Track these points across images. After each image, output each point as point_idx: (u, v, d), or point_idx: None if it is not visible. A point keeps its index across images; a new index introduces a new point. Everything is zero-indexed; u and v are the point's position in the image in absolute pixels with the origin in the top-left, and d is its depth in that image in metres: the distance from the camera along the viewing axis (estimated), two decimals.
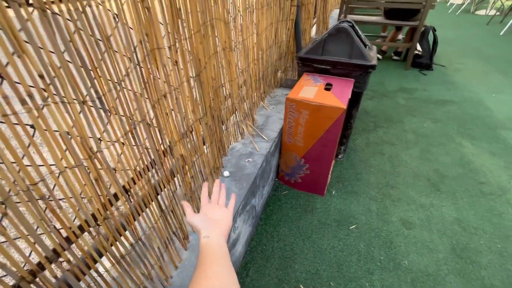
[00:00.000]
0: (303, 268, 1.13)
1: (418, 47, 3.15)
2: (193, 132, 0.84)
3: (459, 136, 1.96)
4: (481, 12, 6.70)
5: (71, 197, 0.44)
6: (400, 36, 4.01)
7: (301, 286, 1.06)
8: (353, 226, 1.30)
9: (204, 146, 0.95)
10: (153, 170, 0.66)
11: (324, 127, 1.24)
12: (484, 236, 1.25)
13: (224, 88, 1.10)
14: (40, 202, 0.40)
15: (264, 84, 1.64)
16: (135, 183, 0.60)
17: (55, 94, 0.39)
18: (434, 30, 3.06)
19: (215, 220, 0.52)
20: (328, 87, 1.36)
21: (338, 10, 4.85)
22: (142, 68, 0.57)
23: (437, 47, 3.18)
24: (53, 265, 0.46)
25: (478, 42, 4.22)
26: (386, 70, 3.22)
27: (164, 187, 0.71)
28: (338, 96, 1.24)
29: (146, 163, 0.63)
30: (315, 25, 2.85)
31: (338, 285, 1.07)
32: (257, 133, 1.39)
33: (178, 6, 0.66)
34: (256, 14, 1.27)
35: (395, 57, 3.57)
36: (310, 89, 1.32)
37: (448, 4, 7.66)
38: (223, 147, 1.18)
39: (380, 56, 3.57)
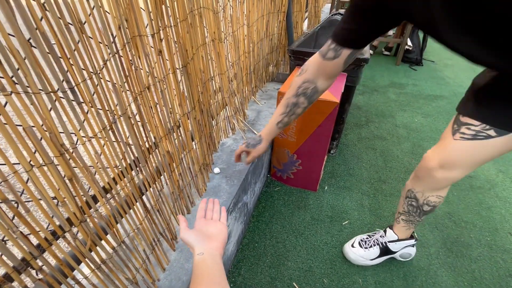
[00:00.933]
0: (296, 265, 1.11)
1: (409, 42, 3.16)
2: (180, 127, 0.79)
3: None
4: None
5: (40, 199, 0.39)
6: (391, 31, 4.03)
7: (294, 284, 1.04)
8: (346, 222, 1.29)
9: (193, 142, 0.91)
10: (137, 168, 0.61)
11: (317, 122, 1.22)
12: (474, 230, 1.26)
13: (213, 81, 1.06)
14: (3, 206, 0.36)
15: (256, 78, 1.59)
16: (116, 183, 0.56)
17: (16, 83, 0.34)
18: None
19: (209, 236, 0.51)
20: None
21: (329, 5, 4.82)
22: (121, 57, 0.52)
23: (427, 43, 3.21)
24: (23, 276, 0.41)
25: None
26: (376, 65, 3.23)
27: (150, 186, 0.66)
28: (331, 90, 1.21)
29: (128, 161, 0.58)
30: (306, 19, 2.81)
31: (332, 281, 1.05)
32: (248, 129, 1.35)
33: None
34: (247, 4, 1.22)
35: (385, 52, 3.59)
36: None
37: None
38: (213, 143, 1.14)
39: (370, 51, 3.58)
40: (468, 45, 0.53)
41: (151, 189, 0.67)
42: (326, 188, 1.48)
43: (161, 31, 0.63)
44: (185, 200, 0.88)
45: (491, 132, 0.66)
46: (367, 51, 1.38)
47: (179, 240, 0.82)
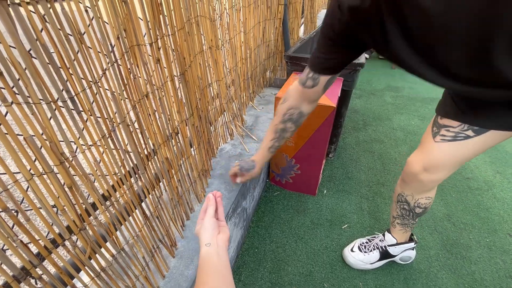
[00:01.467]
0: (296, 270, 1.11)
1: None
2: (179, 134, 0.80)
3: None
4: None
5: (40, 208, 0.40)
6: None
7: None
8: (346, 226, 1.29)
9: (192, 148, 0.92)
10: (136, 175, 0.62)
11: (315, 126, 1.23)
12: (473, 231, 1.26)
13: (211, 88, 1.07)
14: (3, 214, 0.36)
15: (253, 84, 1.61)
16: (115, 190, 0.56)
17: (17, 94, 0.35)
18: None
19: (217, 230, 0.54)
20: None
21: (325, 11, 4.89)
22: (120, 66, 0.53)
23: None
24: (22, 284, 0.41)
25: None
26: (373, 69, 3.26)
27: (149, 193, 0.67)
28: (327, 95, 1.23)
29: (127, 168, 0.59)
30: (303, 25, 2.85)
31: (332, 286, 1.05)
32: (246, 134, 1.36)
33: (159, 1, 0.62)
34: (243, 12, 1.24)
35: (381, 56, 3.62)
36: None
37: None
38: (212, 149, 1.14)
39: (366, 55, 3.62)
40: (429, 73, 0.54)
41: (150, 196, 0.67)
42: (325, 192, 1.48)
43: (159, 40, 0.64)
44: (184, 207, 0.88)
45: (469, 133, 0.68)
46: (362, 56, 1.40)
47: (179, 246, 0.82)
